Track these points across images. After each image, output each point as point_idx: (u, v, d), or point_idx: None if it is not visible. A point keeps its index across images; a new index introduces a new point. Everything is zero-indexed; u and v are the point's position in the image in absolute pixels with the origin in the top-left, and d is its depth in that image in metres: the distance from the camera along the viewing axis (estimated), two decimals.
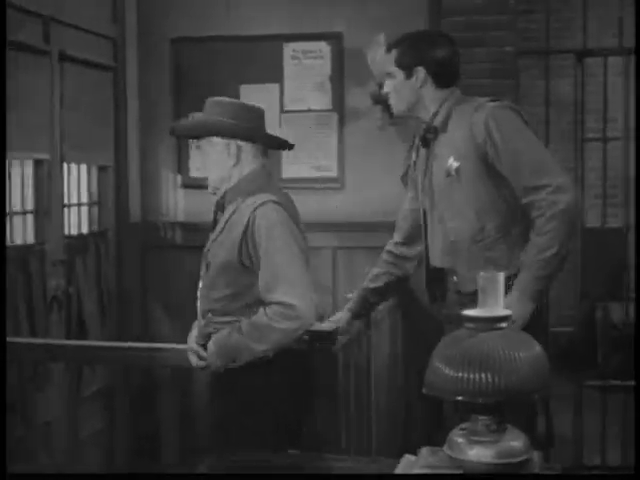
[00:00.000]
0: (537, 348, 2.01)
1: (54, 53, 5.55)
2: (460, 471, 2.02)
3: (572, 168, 5.57)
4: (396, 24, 6.01)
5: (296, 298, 3.15)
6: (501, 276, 2.03)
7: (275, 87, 6.57)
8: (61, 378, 4.54)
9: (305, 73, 6.50)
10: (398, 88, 3.61)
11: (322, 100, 6.54)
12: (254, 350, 3.21)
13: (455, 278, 3.55)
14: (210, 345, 3.30)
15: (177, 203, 6.62)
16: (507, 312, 2.03)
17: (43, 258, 5.35)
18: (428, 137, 3.58)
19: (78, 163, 6.10)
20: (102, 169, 6.35)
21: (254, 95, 6.52)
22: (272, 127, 6.51)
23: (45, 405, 4.50)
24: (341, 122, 6.49)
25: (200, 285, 3.39)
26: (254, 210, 3.23)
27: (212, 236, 3.38)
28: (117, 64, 6.39)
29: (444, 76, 3.60)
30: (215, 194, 3.43)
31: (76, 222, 6.10)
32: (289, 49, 6.56)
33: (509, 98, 5.68)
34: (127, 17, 6.51)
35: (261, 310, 3.20)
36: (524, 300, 3.28)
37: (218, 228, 3.36)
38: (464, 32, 5.75)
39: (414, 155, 3.70)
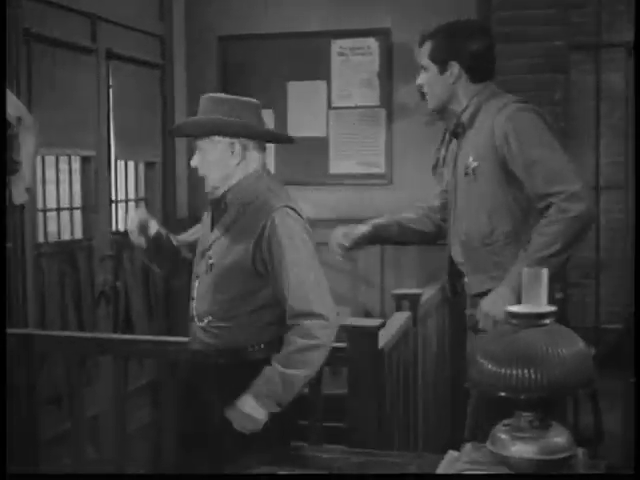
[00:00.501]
0: (580, 344, 1.98)
1: (101, 51, 5.61)
2: (503, 467, 2.01)
3: (622, 162, 5.51)
4: (445, 19, 5.97)
5: (325, 308, 3.06)
6: (545, 272, 2.00)
7: (322, 84, 6.58)
8: (108, 372, 4.57)
9: (352, 69, 6.50)
10: (431, 82, 3.48)
11: (370, 96, 6.54)
12: (300, 378, 3.07)
13: (466, 279, 3.47)
14: (250, 401, 3.07)
15: None
16: (550, 308, 2.00)
17: (91, 253, 5.41)
18: (457, 132, 3.49)
19: (126, 159, 6.15)
20: (149, 165, 6.38)
21: (301, 92, 6.54)
22: (319, 123, 6.59)
23: (93, 399, 4.53)
24: (389, 118, 6.48)
25: (196, 285, 3.24)
26: (269, 215, 3.12)
27: (212, 235, 3.23)
28: (165, 61, 6.43)
29: (479, 71, 3.47)
30: (212, 193, 3.27)
31: (123, 218, 6.14)
32: (336, 46, 6.56)
33: (560, 93, 5.65)
34: (174, 15, 6.54)
35: (288, 338, 3.06)
36: (508, 293, 3.14)
37: (221, 227, 3.22)
38: (514, 26, 5.71)
39: (443, 150, 3.61)
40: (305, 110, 6.59)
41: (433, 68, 3.45)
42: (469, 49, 3.43)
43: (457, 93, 3.45)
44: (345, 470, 2.64)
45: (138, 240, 3.37)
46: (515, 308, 2.01)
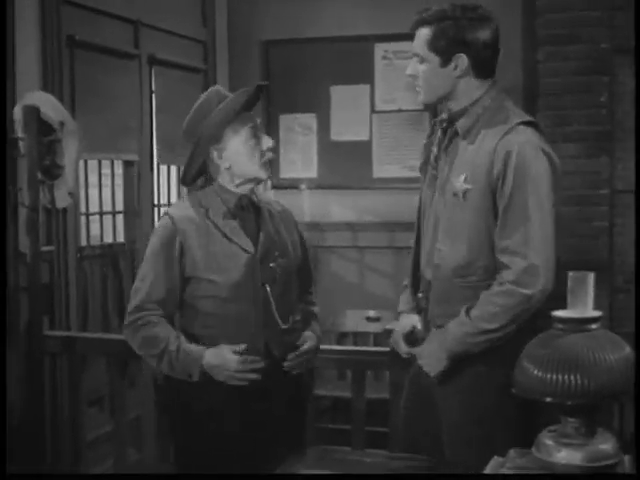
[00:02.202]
0: (627, 349, 1.95)
1: (144, 57, 5.65)
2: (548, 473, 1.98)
3: None
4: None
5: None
6: (591, 277, 1.97)
7: (366, 88, 6.56)
8: (150, 374, 4.58)
9: (396, 73, 6.47)
10: (430, 75, 2.99)
11: (414, 100, 6.47)
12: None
13: (428, 300, 3.12)
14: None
15: None
16: (597, 313, 1.97)
17: (133, 257, 5.42)
18: (448, 134, 3.08)
19: (168, 164, 6.16)
20: None
21: (345, 96, 6.53)
22: (363, 127, 6.56)
23: (134, 401, 4.54)
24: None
25: (268, 291, 3.15)
26: (286, 210, 3.40)
27: (265, 239, 3.20)
28: (207, 66, 6.44)
29: (487, 65, 2.99)
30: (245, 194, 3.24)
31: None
32: (380, 50, 6.53)
33: (605, 95, 5.59)
34: (217, 20, 6.55)
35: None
36: (442, 356, 2.97)
37: (268, 229, 3.22)
38: (559, 29, 5.67)
39: (435, 149, 3.12)
40: (349, 114, 6.58)
41: (434, 59, 2.96)
42: (481, 39, 2.93)
43: (458, 89, 2.99)
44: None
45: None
46: (561, 313, 1.98)
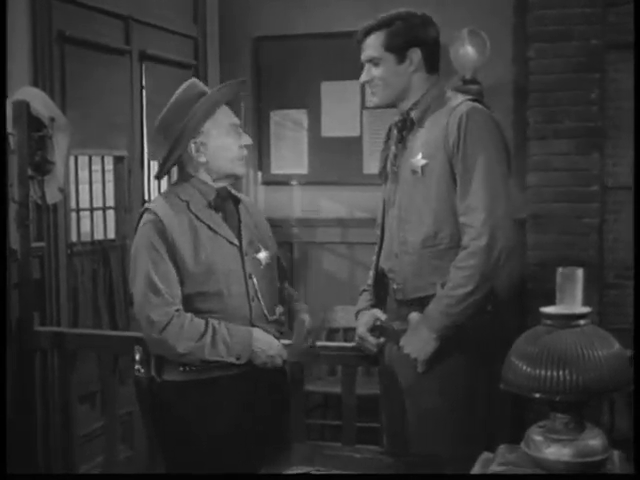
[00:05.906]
0: (616, 346, 1.96)
1: (135, 52, 5.63)
2: (537, 469, 1.98)
3: None
4: (480, 18, 5.94)
5: None
6: (580, 272, 1.98)
7: (357, 84, 6.51)
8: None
9: None
10: (387, 75, 3.26)
11: None
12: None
13: (396, 285, 3.28)
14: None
15: (257, 200, 6.64)
16: (586, 309, 1.98)
17: (123, 253, 5.41)
18: (404, 128, 3.31)
19: (158, 160, 6.14)
20: None
21: (335, 92, 6.52)
22: (353, 123, 6.56)
23: (126, 397, 4.54)
24: None
25: (255, 283, 3.17)
26: (254, 203, 3.57)
27: (246, 230, 3.24)
28: (198, 62, 6.43)
29: (436, 60, 3.31)
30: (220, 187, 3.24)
31: None
32: None
33: (596, 92, 5.60)
34: (208, 16, 6.54)
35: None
36: (431, 338, 3.08)
37: (247, 220, 3.27)
38: (550, 26, 5.67)
39: (393, 148, 3.37)
40: (339, 110, 6.56)
41: (389, 58, 3.25)
42: (430, 36, 3.28)
43: (412, 84, 3.26)
44: (379, 471, 2.63)
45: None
46: (550, 309, 1.99)
